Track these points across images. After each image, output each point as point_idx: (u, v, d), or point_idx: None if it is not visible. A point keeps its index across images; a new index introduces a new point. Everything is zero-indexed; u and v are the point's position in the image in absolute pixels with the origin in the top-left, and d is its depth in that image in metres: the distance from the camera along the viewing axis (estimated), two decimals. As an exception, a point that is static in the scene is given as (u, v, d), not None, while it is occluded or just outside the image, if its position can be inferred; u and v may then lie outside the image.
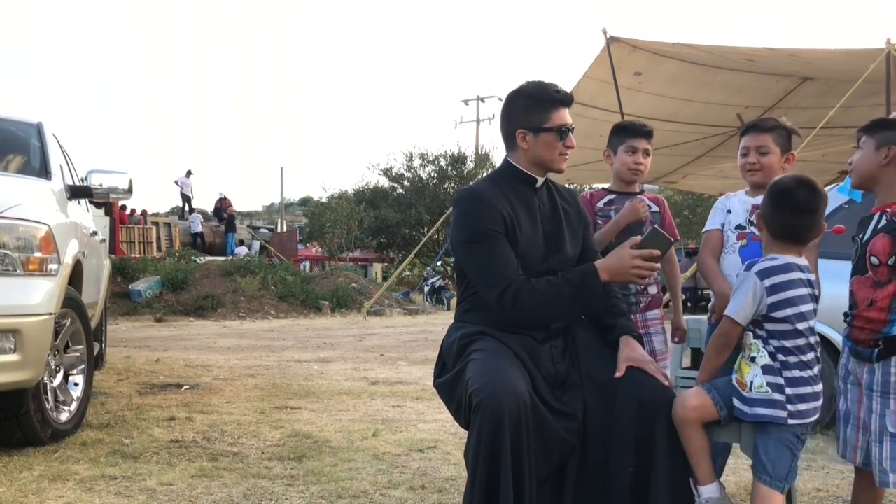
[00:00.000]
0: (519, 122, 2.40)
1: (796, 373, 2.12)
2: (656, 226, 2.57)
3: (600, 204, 3.01)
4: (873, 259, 2.26)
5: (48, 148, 4.60)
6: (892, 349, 2.21)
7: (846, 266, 2.41)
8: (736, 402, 2.16)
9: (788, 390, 2.10)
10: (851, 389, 2.37)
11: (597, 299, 2.34)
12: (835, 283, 2.67)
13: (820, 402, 2.15)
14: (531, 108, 2.38)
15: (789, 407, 2.09)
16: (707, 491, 2.16)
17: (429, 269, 23.51)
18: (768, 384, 2.11)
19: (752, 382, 2.14)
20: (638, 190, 3.08)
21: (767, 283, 2.13)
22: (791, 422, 2.09)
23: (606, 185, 3.10)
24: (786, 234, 2.19)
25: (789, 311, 2.13)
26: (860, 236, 2.36)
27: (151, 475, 3.22)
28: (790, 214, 2.18)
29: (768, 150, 2.69)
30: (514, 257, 2.32)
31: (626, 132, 2.98)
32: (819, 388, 2.15)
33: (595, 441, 2.19)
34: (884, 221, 2.28)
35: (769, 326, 2.15)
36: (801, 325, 2.13)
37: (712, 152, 14.21)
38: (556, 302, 2.29)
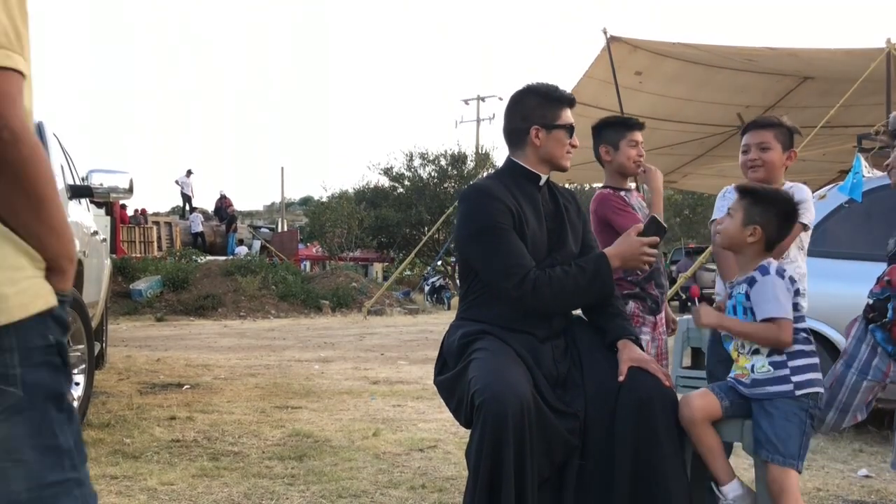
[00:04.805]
0: (534, 118, 2.44)
1: (796, 347, 2.17)
2: (654, 214, 2.63)
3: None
4: None
5: (49, 147, 4.59)
6: None
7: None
8: (742, 390, 2.20)
9: (791, 363, 2.15)
10: (865, 384, 2.40)
11: (609, 286, 2.41)
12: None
13: (819, 374, 2.19)
14: (545, 105, 2.44)
15: (794, 378, 2.14)
16: (729, 490, 2.15)
17: (429, 268, 23.51)
18: (770, 363, 2.17)
19: (752, 366, 2.19)
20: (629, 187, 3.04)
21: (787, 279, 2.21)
22: (798, 392, 2.13)
23: (601, 185, 3.00)
24: (776, 243, 2.30)
25: (799, 300, 2.22)
26: None
27: (152, 475, 3.23)
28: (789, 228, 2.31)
29: (770, 146, 2.68)
30: (524, 249, 2.34)
31: (626, 126, 2.95)
32: (817, 360, 2.20)
33: (596, 441, 2.19)
34: None
35: None
36: (803, 311, 2.23)
37: (712, 152, 14.19)
38: (572, 289, 2.34)
